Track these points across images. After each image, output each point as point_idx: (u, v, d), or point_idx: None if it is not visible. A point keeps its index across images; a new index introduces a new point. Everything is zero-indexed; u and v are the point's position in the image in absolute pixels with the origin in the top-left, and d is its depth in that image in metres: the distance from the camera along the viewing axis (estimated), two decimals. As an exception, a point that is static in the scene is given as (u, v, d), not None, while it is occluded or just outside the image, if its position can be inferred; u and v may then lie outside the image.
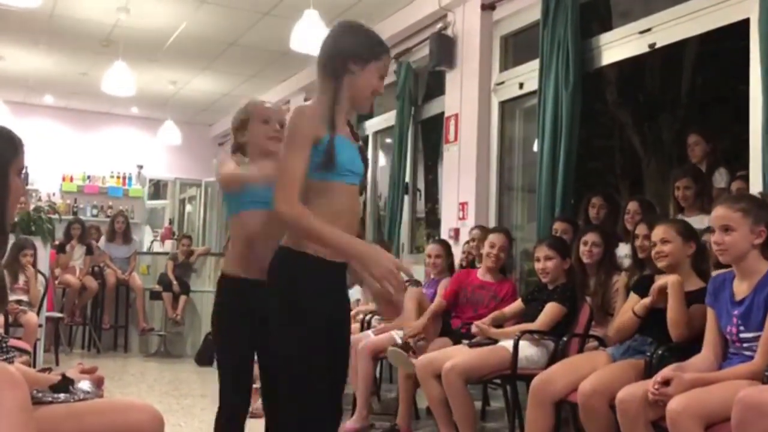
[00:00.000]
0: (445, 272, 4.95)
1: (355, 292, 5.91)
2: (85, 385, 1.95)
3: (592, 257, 4.04)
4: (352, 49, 2.34)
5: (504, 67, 6.13)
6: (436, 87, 7.00)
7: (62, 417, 1.80)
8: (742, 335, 2.73)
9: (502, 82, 6.06)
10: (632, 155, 11.70)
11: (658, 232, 3.24)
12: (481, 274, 4.55)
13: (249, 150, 2.80)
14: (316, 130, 2.20)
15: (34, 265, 6.08)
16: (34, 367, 5.30)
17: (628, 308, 3.32)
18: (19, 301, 5.85)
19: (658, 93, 11.03)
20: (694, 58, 10.41)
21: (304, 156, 2.17)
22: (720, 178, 4.89)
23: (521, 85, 5.86)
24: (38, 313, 6.00)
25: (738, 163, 5.11)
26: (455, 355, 3.83)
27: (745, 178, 4.27)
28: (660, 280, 3.18)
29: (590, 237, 4.10)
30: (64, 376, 1.95)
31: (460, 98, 6.29)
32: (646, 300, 3.20)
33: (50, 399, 1.84)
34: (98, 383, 2.03)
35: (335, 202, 2.22)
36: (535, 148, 5.64)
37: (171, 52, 8.24)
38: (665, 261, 3.20)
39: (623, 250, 4.37)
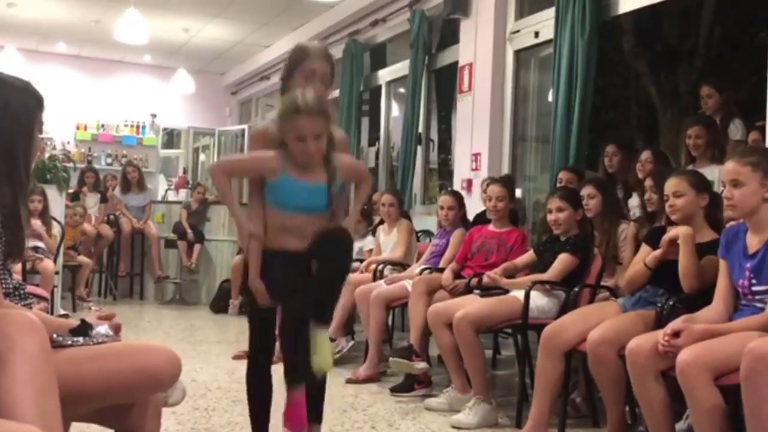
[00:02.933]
0: (458, 223, 4.96)
1: (368, 243, 5.94)
2: (103, 329, 1.98)
3: (590, 210, 4.04)
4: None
5: (519, 15, 6.05)
6: (450, 35, 6.93)
7: (82, 359, 1.84)
8: (754, 288, 2.73)
9: (518, 31, 5.98)
10: (648, 106, 11.59)
11: (671, 184, 3.21)
12: (493, 226, 4.56)
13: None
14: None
15: (45, 212, 6.13)
16: (52, 313, 5.39)
17: (640, 260, 3.33)
18: (35, 248, 5.91)
19: (676, 42, 10.87)
20: (713, 6, 10.23)
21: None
22: (736, 130, 4.85)
23: (537, 34, 5.79)
24: (55, 261, 6.07)
25: (756, 114, 5.05)
26: (466, 305, 3.86)
27: (762, 129, 4.23)
28: (671, 232, 3.17)
29: (584, 191, 4.10)
30: (83, 320, 1.99)
31: (475, 47, 6.22)
32: (658, 252, 3.20)
33: (70, 342, 1.88)
34: (116, 330, 2.06)
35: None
36: (550, 98, 5.60)
37: (183, -1, 8.18)
38: (678, 215, 3.18)
39: (635, 200, 4.37)
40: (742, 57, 10.14)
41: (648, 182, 3.78)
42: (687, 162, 4.46)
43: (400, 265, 5.29)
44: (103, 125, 11.47)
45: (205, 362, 5.07)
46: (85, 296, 7.66)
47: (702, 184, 3.21)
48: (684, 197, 3.17)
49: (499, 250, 4.40)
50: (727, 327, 2.70)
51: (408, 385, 4.33)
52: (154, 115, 11.72)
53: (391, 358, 4.33)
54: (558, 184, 4.78)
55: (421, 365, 4.20)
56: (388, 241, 5.55)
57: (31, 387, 1.56)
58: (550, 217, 3.96)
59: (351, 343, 5.26)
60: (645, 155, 4.49)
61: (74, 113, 11.13)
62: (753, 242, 2.77)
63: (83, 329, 1.94)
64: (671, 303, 3.05)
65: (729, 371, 2.47)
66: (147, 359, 1.90)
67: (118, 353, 1.90)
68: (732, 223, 2.97)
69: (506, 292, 3.93)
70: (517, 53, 6.06)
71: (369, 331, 4.80)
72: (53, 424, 1.57)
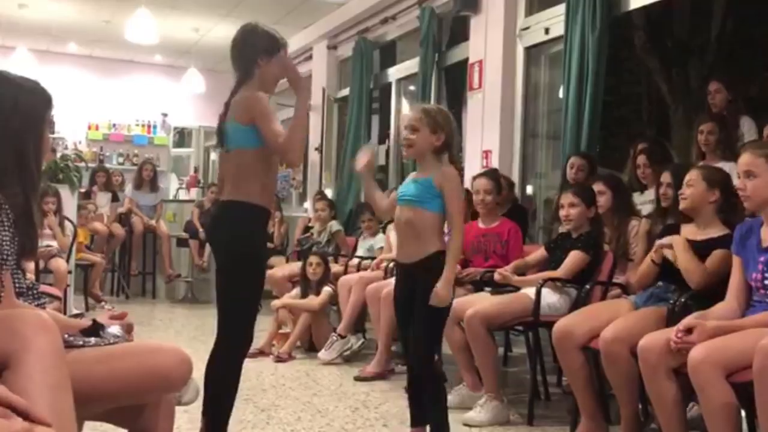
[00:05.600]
0: (468, 220, 4.94)
1: (379, 240, 5.94)
2: (114, 329, 1.99)
3: (600, 207, 4.03)
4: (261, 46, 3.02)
5: (529, 11, 6.03)
6: (460, 33, 6.91)
7: (93, 360, 1.85)
8: (767, 282, 2.73)
9: (528, 28, 5.96)
10: (659, 102, 11.54)
11: (688, 174, 3.24)
12: (481, 222, 4.55)
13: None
14: None
15: (59, 212, 6.17)
16: (65, 313, 5.42)
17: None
18: (48, 246, 5.95)
19: (687, 38, 10.81)
20: (724, 1, 10.17)
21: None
22: (748, 129, 4.79)
23: (547, 31, 5.77)
24: (68, 260, 6.10)
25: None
26: (477, 302, 3.86)
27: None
28: (664, 239, 3.21)
29: (594, 187, 4.10)
30: (94, 321, 2.00)
31: (485, 44, 6.21)
32: (656, 251, 3.24)
33: (81, 342, 1.89)
34: (128, 329, 2.07)
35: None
36: (561, 94, 5.58)
37: (193, -2, 8.20)
38: (685, 203, 3.22)
39: (646, 196, 4.35)
40: (754, 52, 10.09)
41: (664, 177, 3.77)
42: (697, 158, 4.44)
43: (411, 263, 5.28)
44: (114, 125, 11.52)
45: (217, 360, 5.07)
46: (100, 295, 7.71)
47: (714, 180, 3.20)
48: (693, 188, 3.18)
49: (496, 246, 4.40)
50: (739, 323, 2.70)
51: None
52: (165, 115, 11.76)
53: None
54: (569, 169, 4.75)
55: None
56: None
57: (44, 386, 1.57)
58: (562, 212, 3.95)
59: (361, 341, 5.27)
60: (642, 160, 4.47)
61: (86, 113, 11.18)
62: (767, 236, 2.76)
63: (95, 329, 1.95)
64: (683, 300, 3.05)
65: (741, 368, 2.46)
66: (157, 360, 1.91)
67: (129, 354, 1.91)
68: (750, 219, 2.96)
69: (517, 289, 3.92)
70: (528, 50, 6.03)
71: (378, 328, 4.80)
72: (67, 423, 1.58)
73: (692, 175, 3.21)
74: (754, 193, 2.76)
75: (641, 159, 4.47)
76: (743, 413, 2.59)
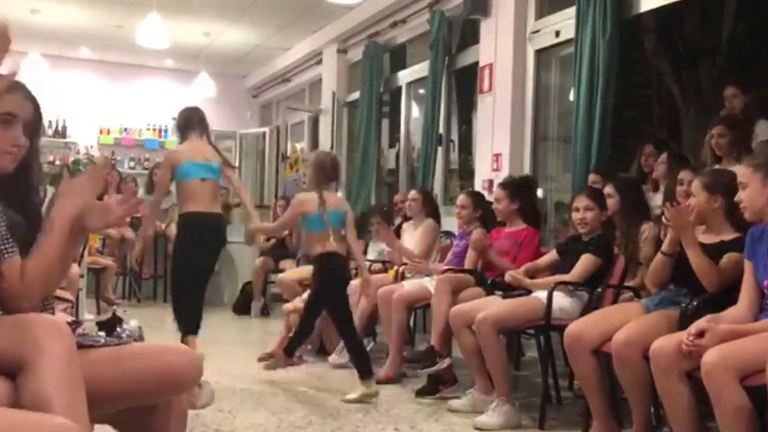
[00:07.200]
0: (474, 223, 4.93)
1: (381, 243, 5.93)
2: (132, 327, 1.98)
3: (609, 210, 4.02)
4: None
5: (540, 14, 6.02)
6: (470, 36, 6.91)
7: (103, 361, 1.85)
8: (779, 288, 2.72)
9: (538, 30, 5.96)
10: (670, 105, 11.50)
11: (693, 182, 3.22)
12: (507, 227, 4.66)
13: None
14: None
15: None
16: (77, 317, 5.44)
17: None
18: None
19: (698, 40, 10.77)
20: (735, 2, 10.12)
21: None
22: (763, 131, 4.78)
23: (557, 33, 5.76)
24: (79, 264, 6.12)
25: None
26: (488, 306, 3.85)
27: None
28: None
29: (604, 190, 4.09)
30: (114, 314, 2.00)
31: (495, 47, 6.20)
32: (671, 236, 3.19)
33: (90, 343, 1.88)
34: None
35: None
36: (571, 97, 5.57)
37: (204, 2, 8.22)
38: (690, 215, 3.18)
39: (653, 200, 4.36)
40: (766, 54, 10.03)
41: (683, 175, 3.76)
42: (713, 162, 4.42)
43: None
44: (125, 129, 11.57)
45: (229, 364, 5.10)
46: (113, 299, 7.73)
47: (715, 186, 3.17)
48: (696, 198, 3.17)
49: (511, 248, 4.46)
50: (752, 327, 2.69)
51: (433, 387, 4.33)
52: (175, 119, 11.79)
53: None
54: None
55: (446, 362, 4.22)
56: (411, 241, 5.53)
57: (58, 389, 1.58)
58: (577, 216, 3.92)
59: (372, 344, 5.26)
60: (664, 158, 4.49)
61: (97, 117, 11.24)
62: (777, 242, 2.76)
63: (112, 324, 1.94)
64: (695, 303, 3.03)
65: (754, 372, 2.45)
66: (167, 361, 1.91)
67: (139, 355, 1.91)
68: None
69: (529, 292, 3.91)
70: (538, 53, 6.02)
71: (390, 332, 4.80)
72: (82, 424, 1.59)
73: (694, 185, 3.20)
74: (749, 203, 2.80)
75: (662, 156, 4.48)
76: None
